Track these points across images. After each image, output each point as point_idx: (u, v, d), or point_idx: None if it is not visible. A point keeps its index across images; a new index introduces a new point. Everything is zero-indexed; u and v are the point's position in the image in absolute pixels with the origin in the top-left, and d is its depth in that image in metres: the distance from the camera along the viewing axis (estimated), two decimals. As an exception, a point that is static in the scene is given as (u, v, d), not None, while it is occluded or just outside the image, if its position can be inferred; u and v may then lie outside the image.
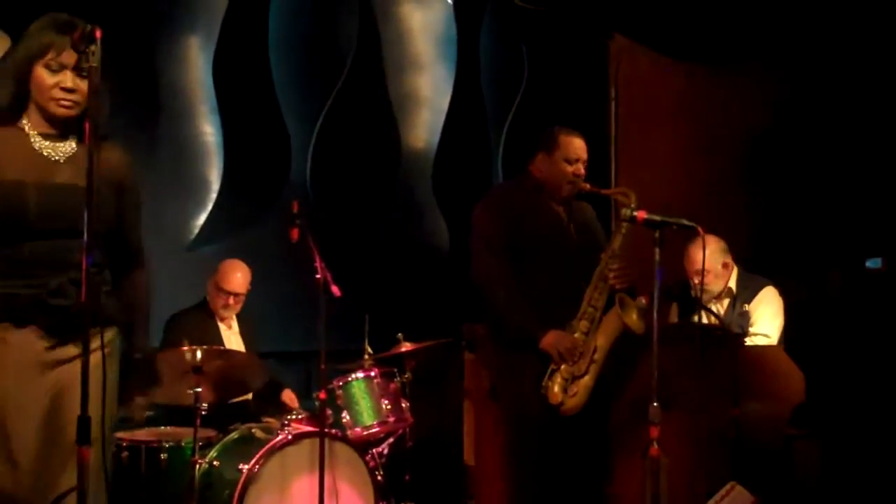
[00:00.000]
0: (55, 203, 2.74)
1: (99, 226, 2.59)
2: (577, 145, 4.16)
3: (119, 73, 2.86)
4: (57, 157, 2.81)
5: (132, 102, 5.48)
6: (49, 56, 2.74)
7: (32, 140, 2.79)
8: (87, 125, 2.52)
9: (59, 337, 2.74)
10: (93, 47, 2.49)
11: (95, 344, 2.57)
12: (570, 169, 4.12)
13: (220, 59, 6.02)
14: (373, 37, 6.74)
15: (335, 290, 4.27)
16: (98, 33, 2.49)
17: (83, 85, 2.70)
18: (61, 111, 2.77)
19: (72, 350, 2.72)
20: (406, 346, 5.11)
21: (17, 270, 2.73)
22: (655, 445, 3.39)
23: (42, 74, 2.75)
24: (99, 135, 2.59)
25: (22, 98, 2.79)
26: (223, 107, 6.04)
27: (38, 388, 2.72)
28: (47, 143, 2.81)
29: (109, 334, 2.81)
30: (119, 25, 3.33)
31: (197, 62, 6.02)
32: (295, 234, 4.26)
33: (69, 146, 2.84)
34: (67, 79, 2.75)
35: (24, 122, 2.80)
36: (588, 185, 4.15)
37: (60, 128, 2.82)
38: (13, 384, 2.69)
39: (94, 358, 2.52)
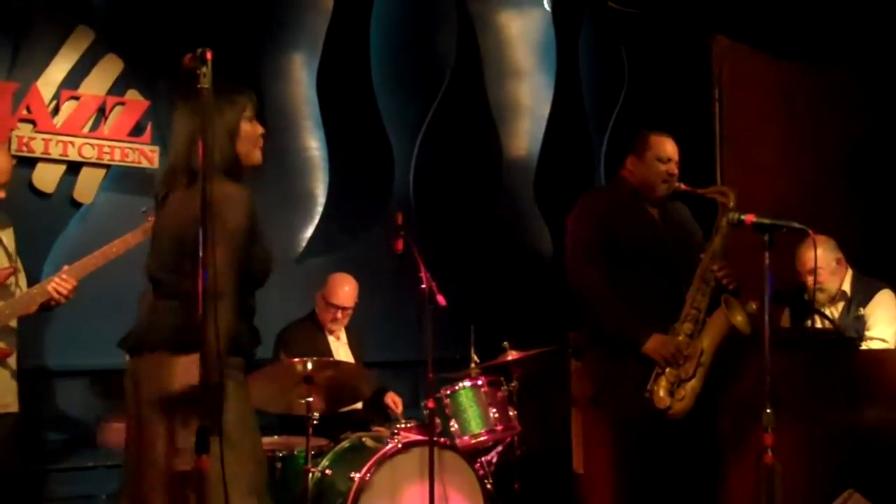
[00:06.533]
0: None
1: None
2: (669, 145, 4.13)
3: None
4: None
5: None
6: (247, 112, 2.96)
7: None
8: (201, 148, 2.56)
9: None
10: (204, 69, 2.54)
11: None
12: (663, 168, 4.09)
13: (323, 75, 6.12)
14: (472, 47, 6.78)
15: (440, 299, 4.31)
16: (209, 55, 2.55)
17: None
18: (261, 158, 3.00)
19: None
20: (512, 355, 5.11)
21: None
22: (770, 452, 3.33)
23: (248, 128, 2.96)
24: None
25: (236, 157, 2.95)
26: (327, 121, 6.14)
27: None
28: None
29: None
30: (225, 44, 3.41)
31: (301, 79, 6.14)
32: (399, 245, 4.31)
33: None
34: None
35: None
36: (683, 185, 4.11)
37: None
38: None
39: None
